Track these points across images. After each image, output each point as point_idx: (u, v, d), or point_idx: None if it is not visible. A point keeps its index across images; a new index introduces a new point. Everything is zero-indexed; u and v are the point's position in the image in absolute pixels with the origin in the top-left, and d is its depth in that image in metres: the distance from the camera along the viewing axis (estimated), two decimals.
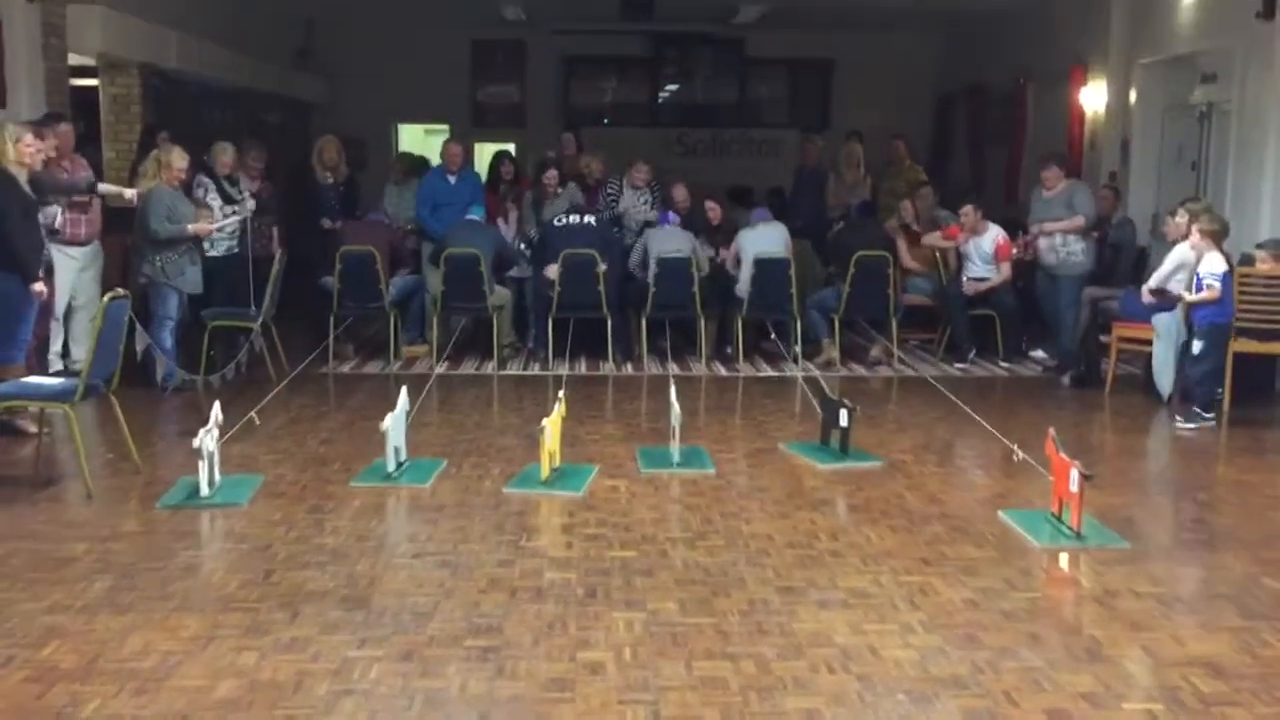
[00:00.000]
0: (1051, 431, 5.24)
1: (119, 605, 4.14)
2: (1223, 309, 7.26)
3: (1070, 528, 4.99)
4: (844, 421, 6.23)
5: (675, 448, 6.09)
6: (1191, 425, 7.11)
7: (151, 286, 7.80)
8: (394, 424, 5.76)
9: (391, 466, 5.80)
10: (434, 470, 5.94)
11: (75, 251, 7.70)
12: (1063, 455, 5.05)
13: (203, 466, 5.37)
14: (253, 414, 6.52)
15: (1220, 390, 7.33)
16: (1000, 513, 5.36)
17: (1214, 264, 7.29)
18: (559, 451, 5.86)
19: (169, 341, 7.80)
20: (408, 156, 11.59)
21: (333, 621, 4.02)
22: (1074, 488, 4.91)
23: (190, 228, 7.79)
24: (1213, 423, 7.14)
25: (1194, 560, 4.90)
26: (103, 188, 7.44)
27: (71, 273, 7.73)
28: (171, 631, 3.92)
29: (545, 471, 5.68)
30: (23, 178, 6.42)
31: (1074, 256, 9.04)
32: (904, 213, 10.23)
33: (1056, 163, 9.27)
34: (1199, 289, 7.31)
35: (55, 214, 7.30)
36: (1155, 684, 3.64)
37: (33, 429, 6.30)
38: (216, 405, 5.64)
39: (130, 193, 7.46)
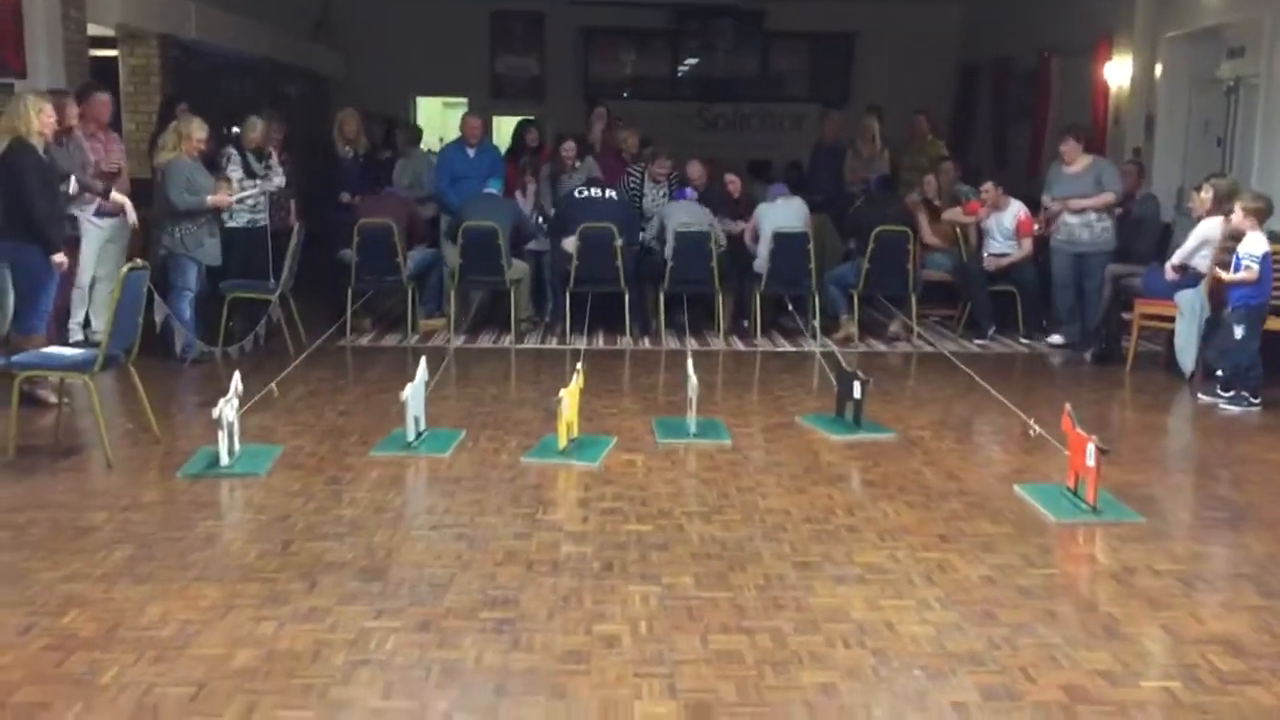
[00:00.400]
0: (1068, 406, 5.25)
1: (138, 574, 4.17)
2: (1259, 290, 7.10)
3: (1086, 502, 4.99)
4: (857, 394, 6.29)
5: (692, 419, 6.14)
6: (1237, 409, 7.01)
7: (170, 258, 7.83)
8: (413, 394, 5.84)
9: (411, 436, 5.87)
10: (453, 440, 5.99)
11: (104, 222, 7.74)
12: (1079, 430, 5.06)
13: (222, 436, 5.41)
14: (272, 385, 6.59)
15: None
16: (1016, 487, 5.37)
17: (1255, 244, 7.09)
18: (576, 422, 5.90)
19: (188, 313, 7.83)
20: (408, 126, 11.61)
21: (350, 592, 4.03)
22: (1090, 462, 4.93)
23: (209, 199, 7.81)
24: (1259, 407, 7.02)
25: (1214, 538, 4.87)
26: (115, 197, 7.42)
27: (97, 243, 7.79)
28: (190, 600, 3.94)
29: (563, 442, 5.74)
30: (41, 147, 6.44)
31: (1106, 233, 8.87)
32: (926, 188, 10.16)
33: (1075, 136, 9.02)
34: (1237, 268, 7.16)
35: (73, 182, 7.31)
36: (1173, 662, 3.62)
37: (53, 399, 6.34)
38: (236, 375, 5.70)
39: (133, 217, 7.38)
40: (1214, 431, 6.70)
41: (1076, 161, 8.91)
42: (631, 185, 10.09)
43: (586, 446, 5.86)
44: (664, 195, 9.96)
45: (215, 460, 5.45)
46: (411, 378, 5.99)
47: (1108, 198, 8.79)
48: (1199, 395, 7.30)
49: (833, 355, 7.36)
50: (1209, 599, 4.11)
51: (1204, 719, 3.24)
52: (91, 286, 7.91)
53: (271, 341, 8.31)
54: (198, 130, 7.82)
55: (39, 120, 6.33)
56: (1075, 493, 5.11)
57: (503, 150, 11.01)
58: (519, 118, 15.09)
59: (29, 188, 6.30)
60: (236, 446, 5.53)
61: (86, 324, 7.95)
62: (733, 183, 10.12)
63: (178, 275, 7.82)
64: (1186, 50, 10.43)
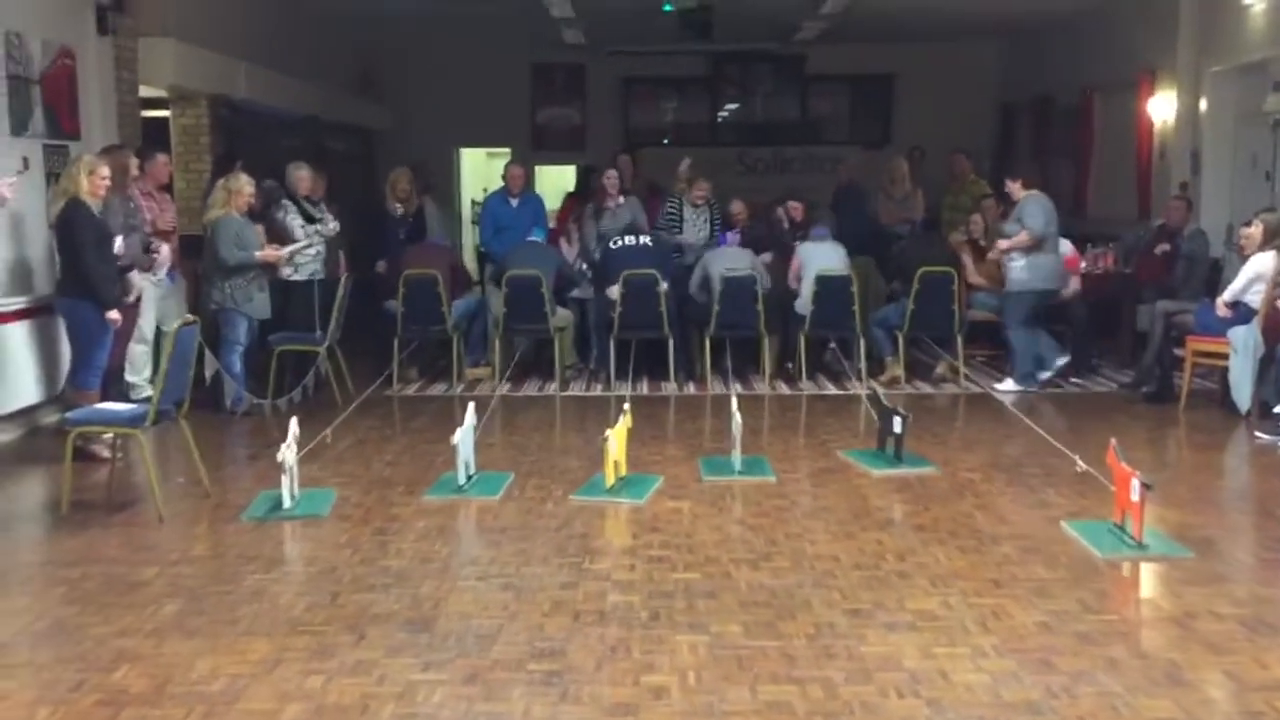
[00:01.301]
0: (1113, 441, 5.23)
1: (188, 629, 4.19)
2: None
3: (1133, 538, 4.96)
4: (898, 428, 6.35)
5: (737, 456, 6.21)
6: None
7: (221, 312, 7.95)
8: (463, 438, 5.97)
9: (462, 479, 5.98)
10: (503, 483, 6.11)
11: (161, 278, 7.91)
12: (1124, 465, 5.03)
13: (285, 480, 5.57)
14: (326, 433, 6.81)
15: None
16: (1064, 523, 5.33)
17: None
18: (624, 461, 6.01)
19: (238, 366, 7.93)
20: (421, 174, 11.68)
21: (398, 644, 4.03)
22: (1135, 497, 4.91)
23: (258, 255, 7.94)
24: None
25: (1276, 580, 4.74)
26: (164, 251, 7.68)
27: (157, 299, 7.93)
28: (239, 654, 3.95)
29: (610, 480, 5.86)
30: (96, 208, 6.58)
31: (1017, 273, 8.73)
32: (972, 227, 10.06)
33: (1013, 177, 9.14)
34: None
35: (119, 243, 7.46)
36: (1237, 709, 3.52)
37: (106, 454, 6.43)
38: (294, 421, 5.82)
39: (161, 274, 7.70)
40: (1272, 470, 6.55)
41: (1018, 196, 8.94)
42: (670, 213, 10.09)
43: (634, 484, 5.98)
44: (704, 221, 9.96)
45: (278, 504, 5.63)
46: (457, 426, 6.03)
47: (1021, 238, 8.68)
48: (1256, 433, 7.15)
49: (876, 395, 7.30)
50: (1273, 643, 3.99)
51: None
52: (157, 340, 8.07)
53: (320, 393, 8.39)
54: (246, 186, 7.97)
55: (89, 181, 6.50)
56: (1122, 528, 5.07)
57: (554, 197, 11.09)
58: (562, 166, 15.29)
59: (84, 246, 6.46)
60: (296, 490, 5.66)
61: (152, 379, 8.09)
62: (795, 209, 10.18)
63: (228, 329, 7.93)
64: (1232, 84, 10.33)
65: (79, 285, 6.55)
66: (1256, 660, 3.84)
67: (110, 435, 6.21)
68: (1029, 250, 8.69)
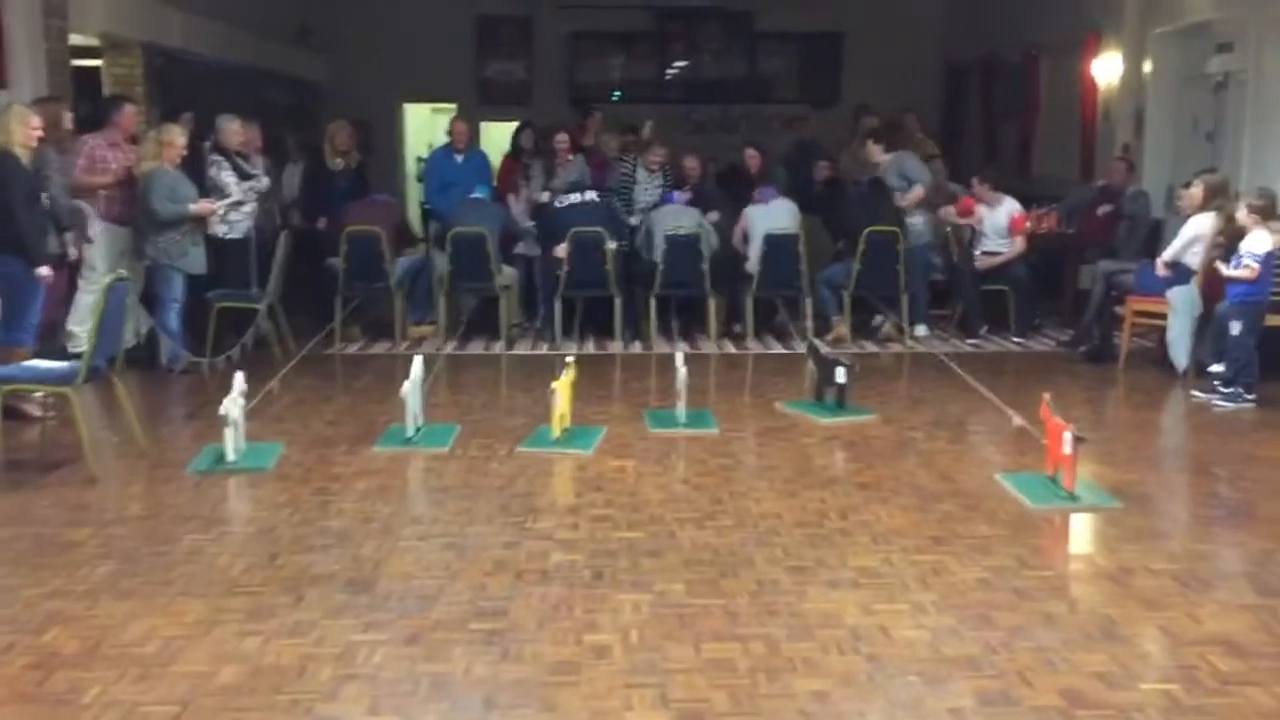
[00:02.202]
0: (1046, 396, 5.34)
1: (121, 590, 4.11)
2: (1258, 287, 7.05)
3: (1065, 489, 5.08)
4: (841, 379, 6.58)
5: (681, 409, 6.35)
6: (1231, 405, 6.94)
7: (155, 268, 7.76)
8: (412, 390, 5.99)
9: (410, 431, 6.01)
10: (450, 434, 6.15)
11: (121, 232, 7.71)
12: (1057, 419, 5.14)
13: (228, 433, 5.54)
14: (273, 384, 6.84)
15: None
16: (996, 475, 5.45)
17: (1258, 242, 7.04)
18: (569, 413, 6.08)
19: (174, 323, 7.75)
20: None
21: (337, 605, 3.98)
22: (1067, 450, 5.02)
23: (192, 208, 7.74)
24: (1254, 404, 6.96)
25: (1210, 537, 4.84)
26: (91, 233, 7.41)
27: (112, 253, 7.67)
28: (174, 616, 3.88)
29: (556, 431, 5.94)
30: (26, 159, 6.37)
31: (915, 227, 9.21)
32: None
33: (868, 137, 9.62)
34: (1238, 265, 7.11)
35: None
36: (1172, 663, 3.58)
37: (37, 413, 6.28)
38: (239, 375, 5.82)
39: (74, 253, 7.22)
40: (1209, 428, 6.67)
41: (881, 160, 9.38)
42: (624, 175, 10.02)
43: (579, 436, 6.06)
44: (658, 185, 9.88)
45: (222, 456, 5.58)
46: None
47: (917, 192, 9.18)
48: (1193, 392, 7.27)
49: (815, 347, 7.38)
50: (1207, 599, 4.07)
51: None
52: None
53: (259, 351, 8.23)
54: (178, 138, 7.75)
55: (21, 131, 6.27)
56: (1054, 481, 5.19)
57: (500, 155, 10.97)
58: (508, 122, 15.09)
59: (12, 199, 6.24)
60: (242, 443, 5.66)
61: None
62: (753, 158, 10.17)
63: (163, 286, 7.74)
64: (1175, 46, 10.40)
65: (7, 240, 6.33)
66: (1190, 615, 3.91)
67: (41, 394, 6.06)
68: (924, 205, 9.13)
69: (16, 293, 6.39)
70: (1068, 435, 5.01)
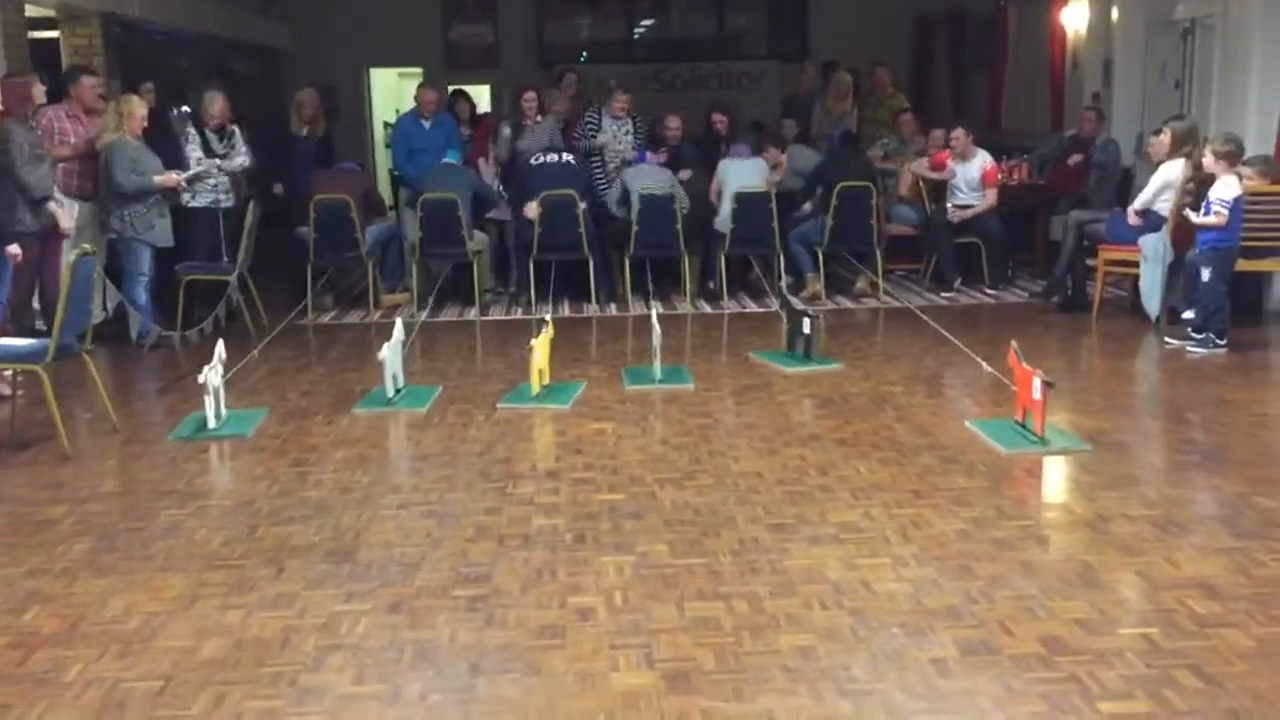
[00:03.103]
0: (1014, 344, 5.43)
1: (100, 567, 4.08)
2: (1228, 234, 7.06)
3: (1034, 434, 5.20)
4: (807, 329, 6.78)
5: (657, 366, 6.47)
6: (1204, 351, 6.99)
7: (121, 241, 7.66)
8: (391, 352, 6.08)
9: (391, 393, 6.10)
10: (430, 395, 6.25)
11: (84, 206, 7.60)
12: (1025, 365, 5.25)
13: (209, 400, 5.63)
14: (254, 353, 6.95)
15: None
16: (968, 423, 5.54)
17: (1226, 188, 7.04)
18: (548, 369, 6.24)
19: (143, 298, 7.66)
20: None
21: (319, 576, 3.96)
22: (1036, 395, 5.14)
23: (156, 180, 7.63)
24: (1225, 349, 7.01)
25: (1185, 482, 4.88)
26: (51, 206, 7.21)
27: (78, 228, 7.56)
28: (154, 592, 3.85)
29: (535, 388, 6.10)
30: None
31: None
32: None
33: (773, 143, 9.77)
34: (1207, 212, 7.12)
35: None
36: (1150, 608, 3.61)
37: (6, 391, 6.20)
38: (220, 343, 5.97)
39: (67, 224, 7.04)
40: (1182, 375, 6.71)
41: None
42: (588, 122, 9.92)
43: (558, 392, 6.25)
44: (625, 132, 9.80)
45: (204, 424, 5.66)
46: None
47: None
48: (1166, 339, 7.32)
49: (785, 298, 7.46)
50: (1183, 543, 4.11)
51: (1183, 664, 3.23)
52: None
53: (231, 323, 8.15)
54: (140, 108, 7.64)
55: None
56: (1024, 426, 5.30)
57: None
58: (477, 85, 14.93)
59: None
60: (223, 410, 5.76)
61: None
62: (720, 121, 10.16)
63: (129, 259, 7.65)
64: None
65: None
66: (1168, 559, 3.95)
67: (9, 371, 5.98)
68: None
69: None
70: (1036, 381, 5.12)
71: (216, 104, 8.52)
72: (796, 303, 7.31)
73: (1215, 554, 3.99)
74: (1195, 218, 7.17)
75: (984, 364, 6.39)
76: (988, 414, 5.81)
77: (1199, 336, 7.06)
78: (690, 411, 5.96)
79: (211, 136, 8.51)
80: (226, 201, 8.55)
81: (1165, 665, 3.22)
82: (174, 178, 7.82)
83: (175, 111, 8.51)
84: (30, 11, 8.71)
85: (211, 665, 3.35)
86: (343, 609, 3.70)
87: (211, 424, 5.66)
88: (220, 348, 5.89)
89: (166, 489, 4.93)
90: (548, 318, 6.49)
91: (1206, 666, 3.21)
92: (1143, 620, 3.53)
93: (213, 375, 5.65)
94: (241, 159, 8.65)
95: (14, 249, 6.34)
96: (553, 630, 3.51)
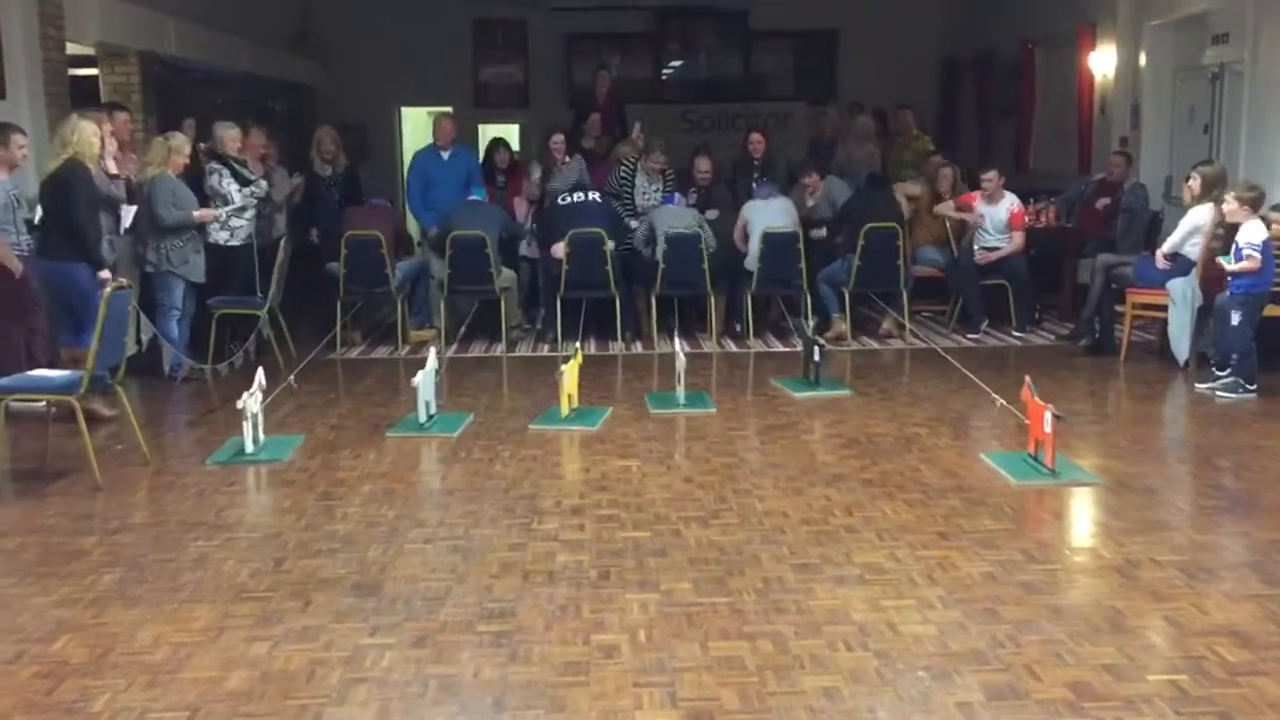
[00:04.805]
0: (1028, 379, 5.59)
1: (129, 598, 4.11)
2: (1261, 278, 7.03)
3: (1046, 466, 5.39)
4: (816, 357, 7.27)
5: (680, 391, 6.87)
6: (1233, 396, 6.95)
7: (156, 275, 7.76)
8: (425, 379, 6.35)
9: (423, 418, 6.37)
10: (461, 422, 6.51)
11: (119, 239, 7.77)
12: (1037, 400, 5.42)
13: (247, 426, 5.84)
14: (290, 379, 7.21)
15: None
16: (982, 455, 5.70)
17: (1254, 232, 7.02)
18: (576, 394, 6.57)
19: (175, 331, 7.76)
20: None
21: (344, 609, 3.98)
22: (1047, 429, 5.33)
23: (195, 214, 7.76)
24: (1255, 394, 6.96)
25: (1214, 527, 4.84)
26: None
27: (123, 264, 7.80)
28: (182, 623, 3.89)
29: (565, 410, 6.47)
30: (94, 171, 6.77)
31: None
32: (942, 181, 9.98)
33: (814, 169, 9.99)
34: (1238, 258, 7.09)
35: (131, 212, 7.45)
36: (1179, 654, 3.58)
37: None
38: (260, 370, 6.15)
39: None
40: (1211, 420, 6.67)
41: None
42: (623, 176, 9.98)
43: (586, 415, 6.58)
44: (656, 190, 9.84)
45: (241, 449, 5.87)
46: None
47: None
48: (1197, 385, 7.26)
49: (803, 330, 7.62)
50: (1213, 589, 4.07)
51: (1213, 711, 3.19)
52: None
53: (261, 357, 8.23)
54: (185, 145, 7.84)
55: (96, 145, 6.71)
56: (1036, 458, 5.49)
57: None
58: (506, 125, 15.08)
59: (80, 207, 6.63)
60: (261, 436, 5.94)
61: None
62: (758, 143, 10.32)
63: (164, 293, 7.75)
64: (1170, 38, 10.41)
65: (75, 248, 6.66)
66: (1196, 606, 3.91)
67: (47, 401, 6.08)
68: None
69: (84, 298, 6.56)
70: (1048, 415, 5.28)
71: (232, 131, 8.59)
72: (807, 330, 7.66)
73: (1245, 601, 3.95)
74: (1229, 265, 7.14)
75: (998, 399, 6.39)
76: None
77: (1228, 381, 7.01)
78: (715, 450, 5.97)
79: (237, 166, 8.59)
80: (254, 237, 8.62)
81: (1195, 713, 3.19)
82: (211, 213, 7.95)
83: (202, 147, 8.62)
84: (70, 49, 8.89)
85: (237, 697, 3.37)
86: (368, 643, 3.71)
87: (249, 449, 5.83)
88: (260, 375, 6.07)
89: (195, 520, 4.98)
90: (577, 344, 6.66)
91: (1237, 715, 3.17)
92: (1172, 667, 3.49)
93: (252, 401, 5.83)
94: (264, 183, 8.68)
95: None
96: (577, 667, 3.52)
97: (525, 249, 9.69)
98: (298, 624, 3.86)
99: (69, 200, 6.62)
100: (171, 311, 7.74)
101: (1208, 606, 3.91)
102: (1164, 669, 3.48)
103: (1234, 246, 7.14)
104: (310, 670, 3.53)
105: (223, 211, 8.13)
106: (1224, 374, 7.05)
